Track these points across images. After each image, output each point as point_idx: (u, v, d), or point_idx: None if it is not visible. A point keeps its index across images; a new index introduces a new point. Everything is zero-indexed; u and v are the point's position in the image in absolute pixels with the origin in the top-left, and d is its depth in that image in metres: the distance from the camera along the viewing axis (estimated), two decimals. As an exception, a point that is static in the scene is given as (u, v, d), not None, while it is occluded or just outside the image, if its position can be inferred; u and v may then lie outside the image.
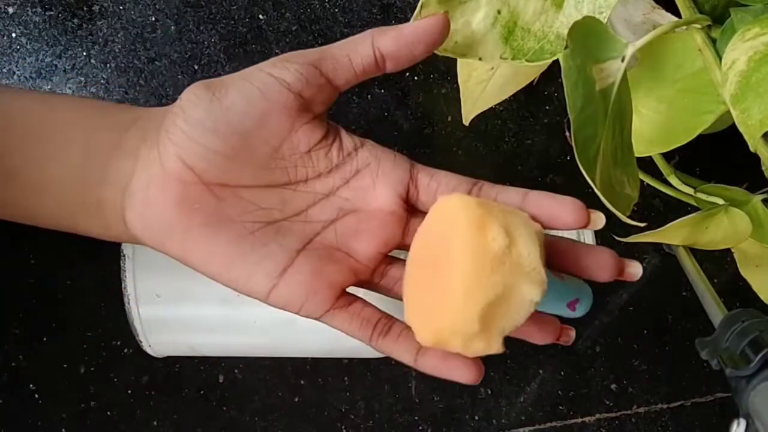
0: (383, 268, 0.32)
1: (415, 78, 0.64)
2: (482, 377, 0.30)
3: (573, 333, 0.32)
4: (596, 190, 0.34)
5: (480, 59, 0.40)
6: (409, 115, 0.63)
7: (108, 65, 0.62)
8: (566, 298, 0.34)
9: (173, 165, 0.29)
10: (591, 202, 0.36)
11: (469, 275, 0.26)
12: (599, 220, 0.30)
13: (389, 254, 0.32)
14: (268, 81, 0.29)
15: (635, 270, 0.31)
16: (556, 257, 0.31)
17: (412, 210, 0.32)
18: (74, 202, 0.30)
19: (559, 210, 0.30)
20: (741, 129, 0.35)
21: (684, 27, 0.42)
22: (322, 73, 0.30)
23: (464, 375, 0.30)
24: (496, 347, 0.28)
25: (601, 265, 0.30)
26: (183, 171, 0.29)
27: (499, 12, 0.39)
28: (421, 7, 0.38)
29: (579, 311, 0.34)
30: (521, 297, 0.27)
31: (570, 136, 0.34)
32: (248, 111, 0.29)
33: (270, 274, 0.29)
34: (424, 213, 0.30)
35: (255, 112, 0.29)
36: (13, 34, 0.62)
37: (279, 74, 0.29)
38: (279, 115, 0.29)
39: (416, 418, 0.57)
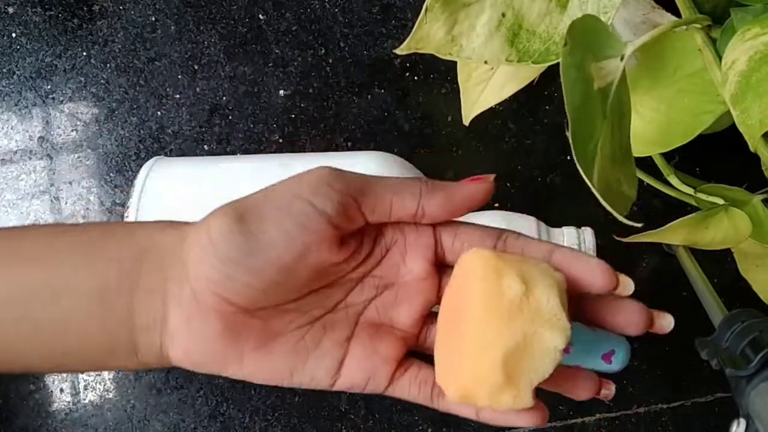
0: (426, 329, 0.32)
1: (415, 78, 0.64)
2: (547, 418, 0.30)
3: (613, 387, 0.32)
4: (593, 189, 0.34)
5: (486, 62, 0.40)
6: (409, 115, 0.63)
7: (108, 65, 0.62)
8: (601, 350, 0.33)
9: (211, 301, 0.28)
10: (589, 201, 0.36)
11: (485, 324, 0.26)
12: (628, 285, 0.30)
13: (431, 313, 0.33)
14: (309, 213, 0.28)
15: (666, 322, 0.31)
16: (584, 311, 0.30)
17: (443, 266, 0.32)
18: (98, 356, 0.29)
19: (586, 273, 0.29)
20: (741, 129, 0.35)
21: (684, 27, 0.42)
22: (359, 208, 0.29)
23: (528, 419, 0.30)
24: (525, 401, 0.27)
25: (630, 320, 0.30)
26: (222, 305, 0.28)
27: (503, 15, 0.39)
28: (426, 11, 0.38)
29: (616, 364, 0.33)
30: (544, 345, 0.26)
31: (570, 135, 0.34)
32: (289, 247, 0.28)
33: (330, 369, 0.30)
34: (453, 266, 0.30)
35: (296, 247, 0.28)
36: (13, 34, 0.62)
37: (321, 206, 0.28)
38: (319, 246, 0.28)
39: (416, 418, 0.57)
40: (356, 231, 0.30)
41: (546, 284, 0.27)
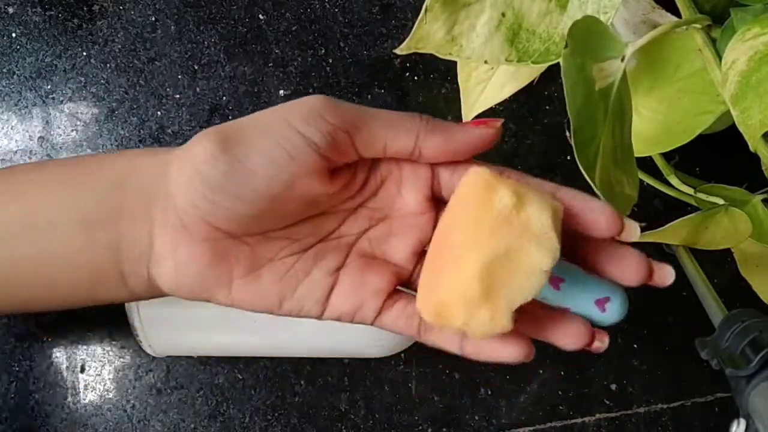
0: (420, 266, 0.31)
1: (415, 78, 0.64)
2: (533, 354, 0.28)
3: (607, 339, 0.29)
4: (596, 190, 0.34)
5: (486, 62, 0.40)
6: (409, 115, 0.63)
7: (108, 65, 0.62)
8: (595, 294, 0.29)
9: (199, 227, 0.27)
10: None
11: (468, 235, 0.25)
12: (634, 231, 0.28)
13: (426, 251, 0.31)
14: (297, 142, 0.26)
15: (666, 273, 0.29)
16: (581, 254, 0.29)
17: (440, 202, 0.31)
18: (87, 288, 0.28)
19: (590, 212, 0.27)
20: (741, 129, 0.35)
21: (684, 27, 0.42)
22: (352, 142, 0.28)
23: (512, 352, 0.28)
24: (503, 321, 0.25)
25: (629, 269, 0.28)
26: (209, 231, 0.27)
27: (503, 14, 0.39)
28: (426, 10, 0.38)
29: (611, 313, 0.30)
30: (529, 262, 0.25)
31: (570, 135, 0.34)
32: (275, 176, 0.26)
33: (319, 299, 0.30)
34: None
35: (282, 178, 0.27)
36: (13, 34, 0.62)
37: (310, 134, 0.26)
38: (307, 178, 0.27)
39: (416, 418, 0.57)
40: (350, 163, 0.29)
41: (540, 205, 0.25)
